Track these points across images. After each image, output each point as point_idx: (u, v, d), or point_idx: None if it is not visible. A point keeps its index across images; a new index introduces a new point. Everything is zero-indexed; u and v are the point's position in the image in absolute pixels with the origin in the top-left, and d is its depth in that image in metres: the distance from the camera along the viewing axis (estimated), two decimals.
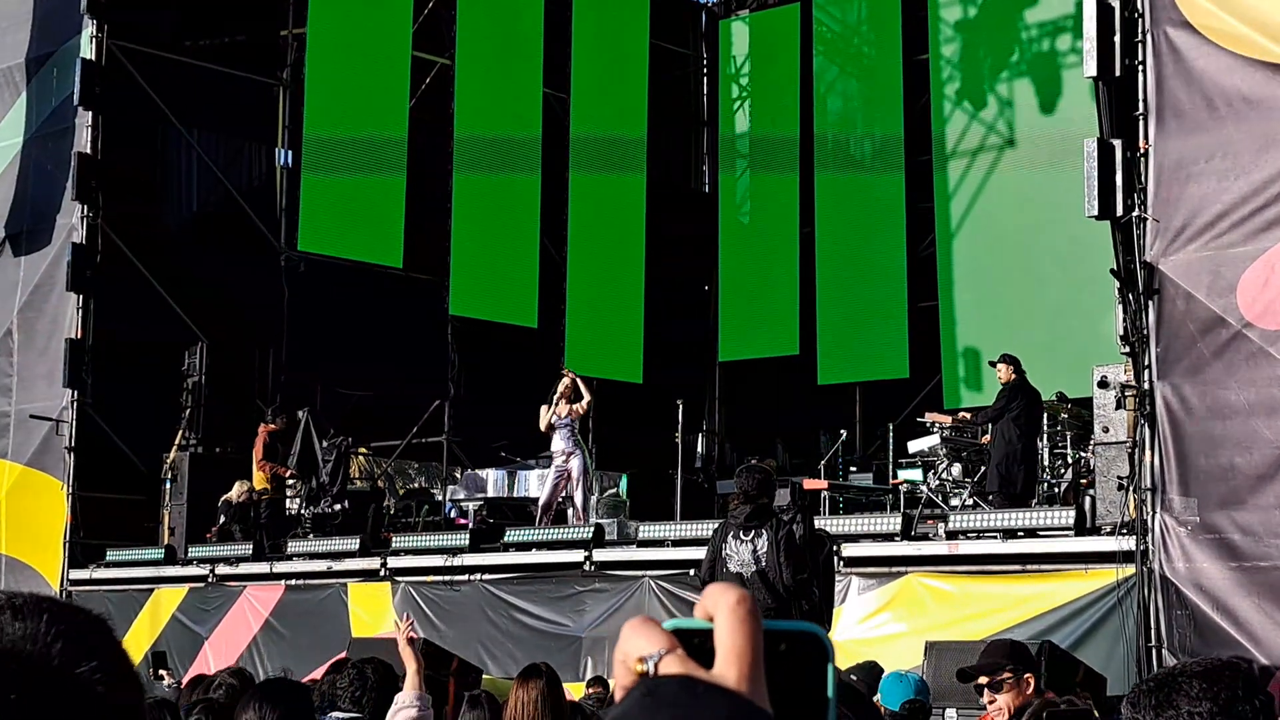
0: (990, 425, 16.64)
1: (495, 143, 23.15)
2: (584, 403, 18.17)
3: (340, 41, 21.81)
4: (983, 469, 16.93)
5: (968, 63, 24.04)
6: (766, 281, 25.54)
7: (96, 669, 1.30)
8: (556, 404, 18.03)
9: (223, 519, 19.48)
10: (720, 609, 1.12)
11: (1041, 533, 13.38)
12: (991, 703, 5.16)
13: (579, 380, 18.30)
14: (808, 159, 25.42)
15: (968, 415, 18.27)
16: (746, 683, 1.09)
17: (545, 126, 23.89)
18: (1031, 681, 5.04)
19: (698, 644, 1.12)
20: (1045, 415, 17.37)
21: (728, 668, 1.10)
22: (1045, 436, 17.64)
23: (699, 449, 25.75)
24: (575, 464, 17.96)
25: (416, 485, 29.70)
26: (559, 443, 17.98)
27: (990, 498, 16.19)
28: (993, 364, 16.69)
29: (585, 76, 24.64)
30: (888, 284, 24.12)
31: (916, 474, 18.63)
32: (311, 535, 19.04)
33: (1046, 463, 17.80)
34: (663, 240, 25.33)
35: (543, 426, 18.09)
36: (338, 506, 19.40)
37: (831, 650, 1.16)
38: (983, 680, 5.09)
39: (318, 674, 11.53)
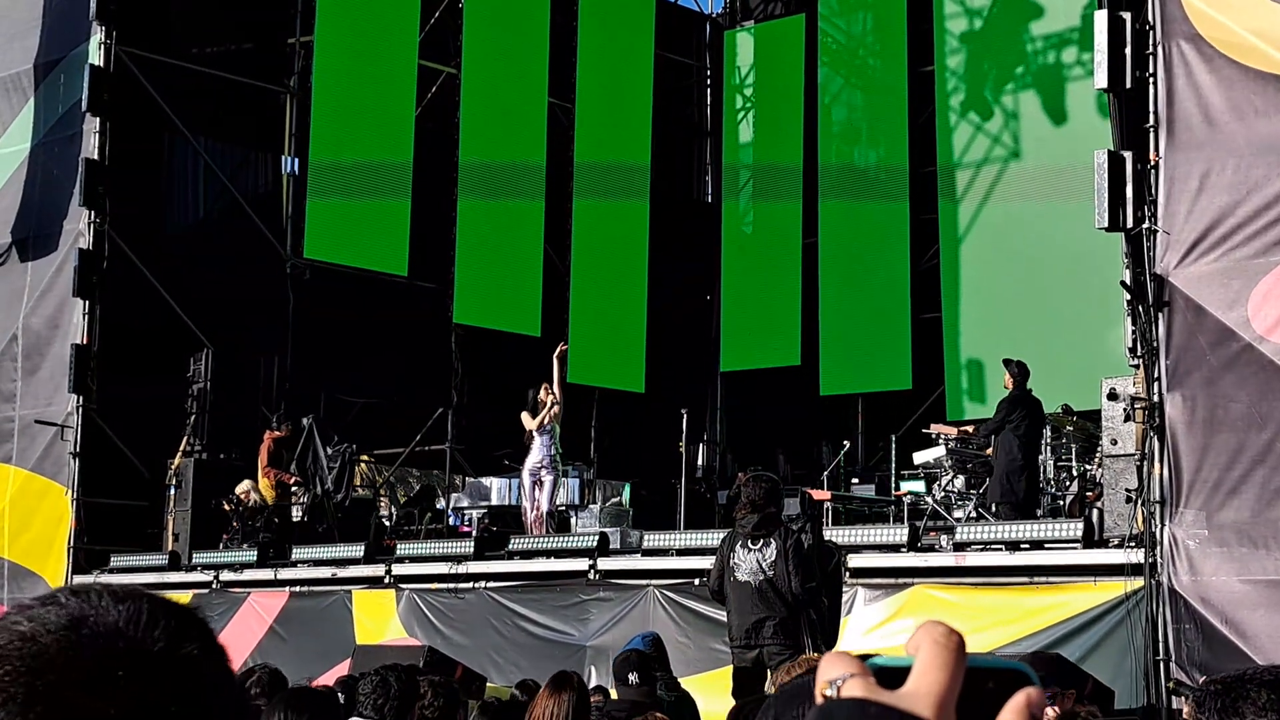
0: (992, 437, 16.64)
1: (500, 151, 23.18)
2: (555, 409, 18.15)
3: (347, 50, 21.85)
4: (987, 481, 16.93)
5: (973, 74, 24.04)
6: (769, 292, 25.54)
7: (198, 650, 1.32)
8: (538, 410, 18.08)
9: (234, 522, 19.38)
10: (924, 641, 1.12)
11: (1050, 545, 13.36)
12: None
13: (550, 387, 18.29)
14: (811, 169, 25.43)
15: (970, 430, 18.29)
16: (928, 707, 1.09)
17: (550, 135, 23.92)
18: (1072, 698, 5.03)
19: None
20: (1049, 427, 17.36)
21: (912, 687, 1.10)
22: (1049, 448, 17.61)
23: (700, 459, 25.76)
24: (547, 477, 18.00)
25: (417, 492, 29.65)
26: (537, 452, 18.01)
27: (994, 509, 16.19)
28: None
29: (590, 86, 24.67)
30: (891, 295, 24.13)
31: (919, 485, 18.60)
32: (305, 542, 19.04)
33: (1051, 475, 17.77)
34: (665, 250, 25.34)
35: (530, 427, 18.08)
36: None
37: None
38: None
39: (321, 681, 11.52)
